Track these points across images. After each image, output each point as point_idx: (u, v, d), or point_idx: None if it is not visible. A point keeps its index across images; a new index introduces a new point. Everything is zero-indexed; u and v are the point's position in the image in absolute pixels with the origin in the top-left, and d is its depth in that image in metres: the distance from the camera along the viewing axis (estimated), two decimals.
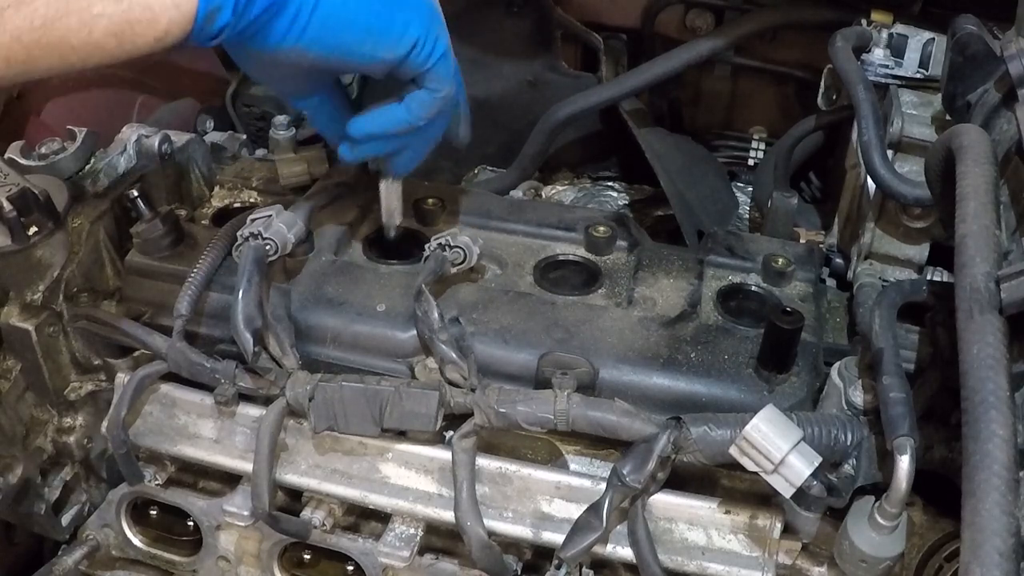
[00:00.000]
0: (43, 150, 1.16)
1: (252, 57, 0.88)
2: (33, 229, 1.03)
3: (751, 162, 1.62)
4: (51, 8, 0.69)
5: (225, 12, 0.77)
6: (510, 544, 1.01)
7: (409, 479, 1.02)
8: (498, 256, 1.15)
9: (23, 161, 1.14)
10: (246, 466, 1.03)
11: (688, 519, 0.97)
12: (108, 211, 1.14)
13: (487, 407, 0.94)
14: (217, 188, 1.31)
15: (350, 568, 1.11)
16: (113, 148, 1.22)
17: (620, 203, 1.53)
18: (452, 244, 1.05)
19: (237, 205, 1.28)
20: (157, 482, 1.11)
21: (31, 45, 0.70)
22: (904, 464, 0.81)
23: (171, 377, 1.06)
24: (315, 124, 1.07)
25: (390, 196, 1.12)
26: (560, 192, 1.53)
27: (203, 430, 1.08)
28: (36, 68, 0.71)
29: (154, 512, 1.19)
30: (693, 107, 1.69)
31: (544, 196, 1.50)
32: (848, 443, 0.87)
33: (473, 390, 0.96)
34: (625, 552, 0.95)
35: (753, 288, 1.12)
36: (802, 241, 1.32)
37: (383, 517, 1.06)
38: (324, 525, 1.04)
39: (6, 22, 0.68)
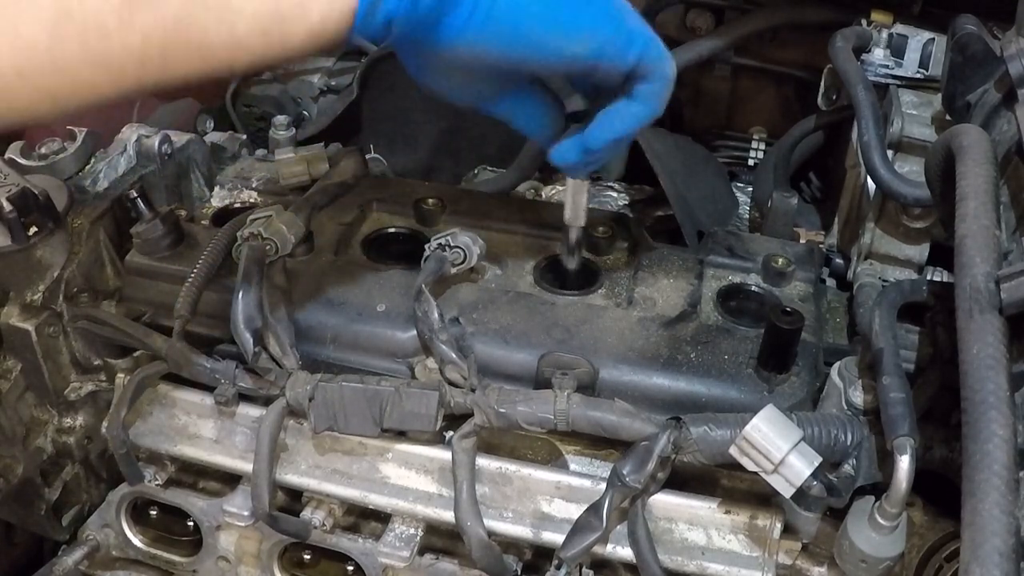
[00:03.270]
0: (43, 150, 1.16)
1: (427, 60, 0.81)
2: (33, 229, 1.03)
3: (751, 162, 1.62)
4: (186, 4, 0.64)
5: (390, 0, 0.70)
6: (510, 544, 1.01)
7: (409, 479, 1.02)
8: (498, 256, 1.15)
9: (23, 161, 1.14)
10: (246, 466, 1.03)
11: (688, 519, 0.97)
12: (108, 211, 1.14)
13: (487, 407, 0.94)
14: (217, 188, 1.31)
15: (350, 568, 1.11)
16: (113, 148, 1.22)
17: (620, 203, 1.53)
18: (452, 244, 1.05)
19: (237, 205, 1.28)
20: (157, 482, 1.11)
21: (166, 45, 0.64)
22: (904, 464, 0.81)
23: (171, 377, 1.06)
24: (518, 127, 0.95)
25: (578, 194, 1.04)
26: (560, 192, 1.53)
27: (203, 430, 1.08)
28: (175, 71, 0.66)
29: (154, 512, 1.19)
30: (693, 107, 1.68)
31: (544, 196, 1.50)
32: (848, 443, 0.87)
33: (473, 390, 0.96)
34: (625, 552, 0.95)
35: (753, 288, 1.12)
36: (802, 241, 1.32)
37: (383, 517, 1.06)
38: (324, 525, 1.04)
39: (135, 20, 0.63)
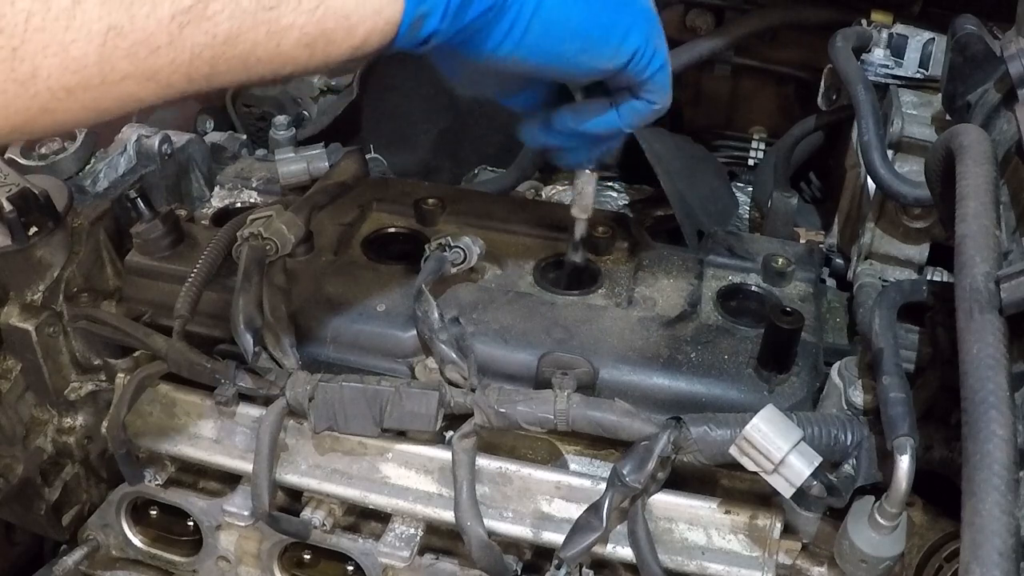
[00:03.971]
0: (43, 150, 1.16)
1: (461, 66, 0.83)
2: (33, 229, 1.03)
3: (751, 162, 1.62)
4: (235, 22, 0.63)
5: (433, 18, 0.71)
6: (510, 544, 1.01)
7: (409, 479, 1.02)
8: (498, 256, 1.15)
9: (23, 161, 1.14)
10: (246, 466, 1.03)
11: (688, 519, 0.97)
12: (108, 211, 1.14)
13: (487, 407, 0.94)
14: (217, 188, 1.31)
15: (350, 568, 1.11)
16: (113, 148, 1.22)
17: (620, 203, 1.53)
18: (452, 244, 1.05)
19: (237, 205, 1.28)
20: (157, 482, 1.11)
21: (214, 60, 0.64)
22: (904, 464, 0.81)
23: (171, 377, 1.06)
24: (514, 107, 0.97)
25: (586, 185, 1.05)
26: (560, 192, 1.53)
27: (203, 430, 1.08)
28: (220, 81, 0.67)
29: (154, 512, 1.19)
30: (693, 107, 1.69)
31: (544, 196, 1.50)
32: (848, 443, 0.87)
33: (473, 390, 0.96)
34: (625, 552, 0.95)
35: (753, 288, 1.12)
36: (802, 241, 1.32)
37: (383, 517, 1.06)
38: (324, 525, 1.04)
39: (185, 39, 0.62)
